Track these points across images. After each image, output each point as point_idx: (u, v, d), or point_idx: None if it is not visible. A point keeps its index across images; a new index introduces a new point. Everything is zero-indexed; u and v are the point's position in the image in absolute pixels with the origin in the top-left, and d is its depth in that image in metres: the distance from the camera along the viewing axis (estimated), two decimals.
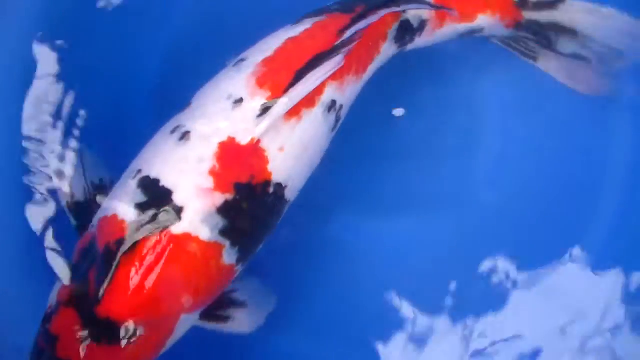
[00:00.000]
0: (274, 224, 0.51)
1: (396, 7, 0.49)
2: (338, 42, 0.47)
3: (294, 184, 0.49)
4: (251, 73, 0.49)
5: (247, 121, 0.47)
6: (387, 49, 0.53)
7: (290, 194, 0.49)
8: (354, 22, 0.48)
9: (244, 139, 0.47)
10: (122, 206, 0.47)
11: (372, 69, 0.53)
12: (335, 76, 0.48)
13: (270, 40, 0.52)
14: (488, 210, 0.62)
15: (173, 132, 0.49)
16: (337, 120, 0.51)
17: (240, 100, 0.48)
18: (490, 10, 0.54)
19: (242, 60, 0.52)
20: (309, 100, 0.48)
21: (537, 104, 0.64)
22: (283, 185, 0.48)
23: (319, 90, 0.48)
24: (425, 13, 0.52)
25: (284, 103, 0.47)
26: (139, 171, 0.49)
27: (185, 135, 0.48)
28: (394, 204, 0.62)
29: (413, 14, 0.52)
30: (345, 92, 0.51)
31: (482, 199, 0.62)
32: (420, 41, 0.55)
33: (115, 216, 0.47)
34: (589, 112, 0.63)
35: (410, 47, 0.54)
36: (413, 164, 0.63)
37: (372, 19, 0.47)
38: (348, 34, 0.47)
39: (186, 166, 0.47)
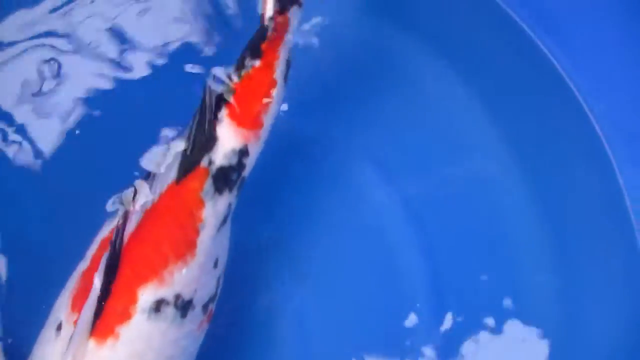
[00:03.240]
0: None
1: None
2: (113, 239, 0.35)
3: None
4: (70, 290, 0.39)
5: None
6: (214, 209, 0.37)
7: None
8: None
9: None
10: None
11: (204, 239, 0.37)
12: (150, 275, 0.36)
13: (93, 245, 0.40)
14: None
15: None
16: (184, 312, 0.38)
17: (59, 327, 0.37)
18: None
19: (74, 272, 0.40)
20: (120, 315, 0.36)
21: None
22: None
23: (130, 299, 0.36)
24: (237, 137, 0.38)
25: (79, 330, 0.35)
26: None
27: None
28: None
29: (223, 151, 0.37)
30: (175, 281, 0.37)
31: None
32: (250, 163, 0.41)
33: None
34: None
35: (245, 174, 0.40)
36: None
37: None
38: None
39: None
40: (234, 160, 0.36)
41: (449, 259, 0.53)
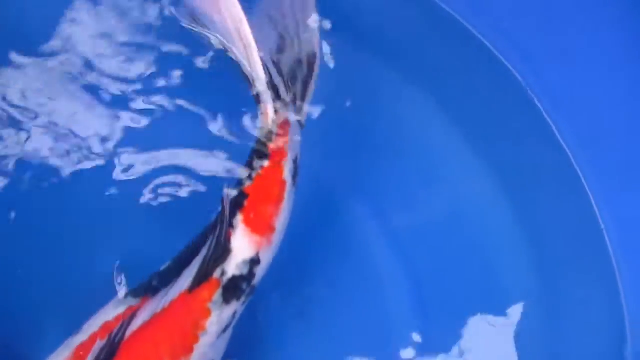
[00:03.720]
0: None
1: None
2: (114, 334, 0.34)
3: None
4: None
5: None
6: (218, 318, 0.37)
7: None
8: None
9: None
10: None
11: (201, 346, 0.37)
12: None
13: (94, 321, 0.39)
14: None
15: None
16: None
17: None
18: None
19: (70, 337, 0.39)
20: None
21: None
22: None
23: None
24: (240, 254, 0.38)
25: None
26: None
27: None
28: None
29: (236, 262, 0.37)
30: None
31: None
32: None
33: None
34: None
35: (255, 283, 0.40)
36: None
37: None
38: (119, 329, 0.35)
39: None
40: (245, 270, 0.36)
41: (434, 288, 0.54)
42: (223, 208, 0.35)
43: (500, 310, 0.52)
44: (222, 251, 0.35)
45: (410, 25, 0.57)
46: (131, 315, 0.34)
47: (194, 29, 0.42)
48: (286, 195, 0.38)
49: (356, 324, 0.53)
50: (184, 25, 0.43)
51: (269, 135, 0.38)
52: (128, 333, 0.33)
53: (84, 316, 0.40)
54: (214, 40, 0.41)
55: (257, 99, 0.38)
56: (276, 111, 0.38)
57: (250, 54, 0.38)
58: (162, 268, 0.38)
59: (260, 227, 0.36)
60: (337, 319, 0.53)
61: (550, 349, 0.51)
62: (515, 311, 0.52)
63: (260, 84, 0.38)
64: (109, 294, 0.40)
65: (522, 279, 0.53)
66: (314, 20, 0.42)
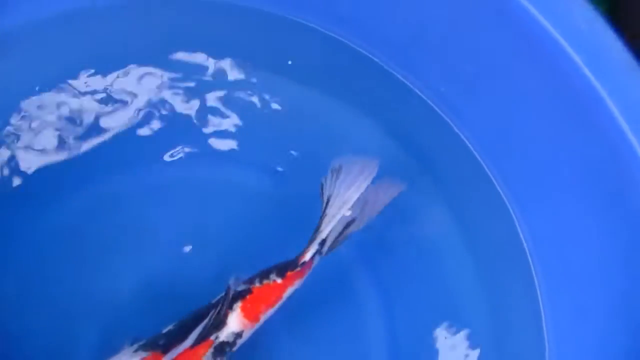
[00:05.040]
0: None
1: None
2: None
3: None
4: None
5: None
6: None
7: None
8: None
9: None
10: None
11: None
12: None
13: None
14: None
15: None
16: None
17: None
18: None
19: None
20: None
21: None
22: None
23: None
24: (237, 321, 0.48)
25: None
26: None
27: None
28: None
29: (227, 332, 0.47)
30: None
31: None
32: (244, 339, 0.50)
33: None
34: None
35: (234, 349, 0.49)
36: None
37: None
38: None
39: None
40: (231, 339, 0.46)
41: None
42: (227, 293, 0.45)
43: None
44: (219, 323, 0.45)
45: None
46: None
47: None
48: (278, 305, 0.48)
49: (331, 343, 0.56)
50: None
51: (295, 264, 0.47)
52: None
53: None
54: None
55: (308, 243, 0.47)
56: (311, 257, 0.47)
57: (332, 217, 0.48)
58: (165, 330, 0.46)
59: (251, 316, 0.46)
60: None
61: None
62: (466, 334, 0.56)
63: (319, 237, 0.47)
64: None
65: (472, 302, 0.56)
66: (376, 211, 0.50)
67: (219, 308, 0.45)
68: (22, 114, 0.56)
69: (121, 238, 0.54)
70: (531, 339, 0.54)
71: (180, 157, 0.56)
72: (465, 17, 0.45)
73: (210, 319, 0.45)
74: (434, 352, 0.55)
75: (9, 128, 0.56)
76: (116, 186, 0.56)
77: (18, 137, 0.56)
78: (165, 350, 0.44)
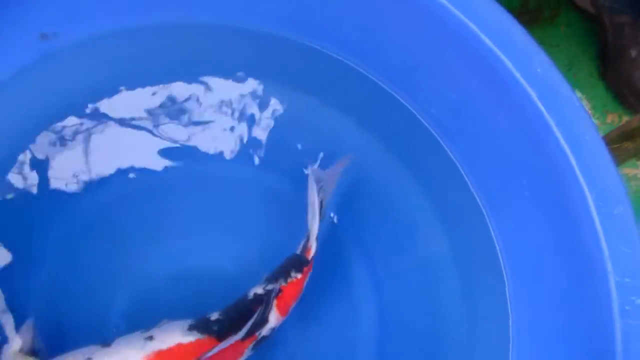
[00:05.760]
0: None
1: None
2: None
3: None
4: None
5: None
6: (246, 355, 0.52)
7: None
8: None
9: None
10: None
11: None
12: None
13: (166, 337, 0.49)
14: None
15: None
16: None
17: None
18: None
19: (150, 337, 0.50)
20: None
21: None
22: None
23: None
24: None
25: None
26: None
27: None
28: None
29: (267, 328, 0.52)
30: None
31: None
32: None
33: None
34: None
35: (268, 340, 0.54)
36: None
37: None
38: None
39: None
40: (269, 333, 0.52)
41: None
42: (269, 296, 0.52)
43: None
44: (263, 321, 0.51)
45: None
46: (202, 355, 0.48)
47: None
48: (301, 294, 0.55)
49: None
50: None
51: (307, 261, 0.54)
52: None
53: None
54: None
55: (307, 238, 0.55)
56: (314, 251, 0.54)
57: (317, 214, 0.54)
58: (213, 318, 0.51)
59: (283, 311, 0.53)
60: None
61: None
62: None
63: (315, 233, 0.54)
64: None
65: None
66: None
67: (263, 307, 0.51)
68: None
69: (156, 223, 0.59)
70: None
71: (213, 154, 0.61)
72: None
73: (257, 317, 0.51)
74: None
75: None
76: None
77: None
78: (219, 338, 0.50)
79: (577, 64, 0.91)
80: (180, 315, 0.51)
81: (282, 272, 0.53)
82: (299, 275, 0.53)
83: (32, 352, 0.50)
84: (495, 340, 0.57)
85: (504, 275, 0.57)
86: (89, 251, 0.58)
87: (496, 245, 0.58)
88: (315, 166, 0.56)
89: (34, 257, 0.57)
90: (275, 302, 0.52)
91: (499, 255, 0.58)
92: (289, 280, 0.53)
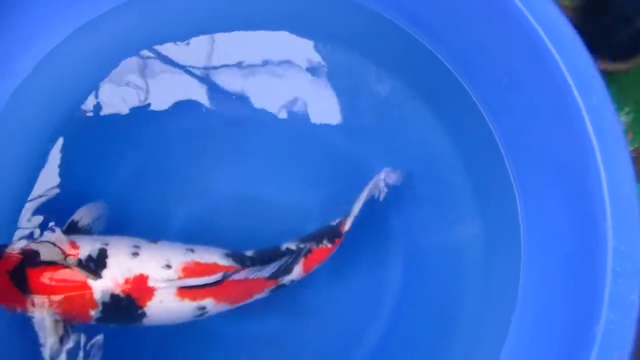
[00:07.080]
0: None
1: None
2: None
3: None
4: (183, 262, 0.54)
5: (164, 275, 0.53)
6: (267, 293, 0.57)
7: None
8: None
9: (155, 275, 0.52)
10: None
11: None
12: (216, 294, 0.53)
13: (204, 254, 0.55)
14: None
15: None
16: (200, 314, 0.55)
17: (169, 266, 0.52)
18: None
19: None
20: (185, 293, 0.52)
21: None
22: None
23: (200, 295, 0.53)
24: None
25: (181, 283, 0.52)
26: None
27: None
28: None
29: (289, 279, 0.57)
30: (218, 306, 0.55)
31: None
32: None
33: None
34: None
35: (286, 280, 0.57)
36: None
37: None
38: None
39: None
40: (288, 283, 0.57)
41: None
42: (299, 252, 0.56)
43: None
44: (288, 270, 0.56)
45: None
46: (234, 271, 0.54)
47: None
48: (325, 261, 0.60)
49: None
50: None
51: (340, 233, 0.58)
52: (230, 279, 0.54)
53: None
54: None
55: (346, 215, 0.59)
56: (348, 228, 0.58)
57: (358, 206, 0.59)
58: (249, 254, 0.57)
59: (306, 269, 0.57)
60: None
61: None
62: None
63: (354, 213, 0.58)
64: None
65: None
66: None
67: (292, 258, 0.56)
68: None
69: (223, 156, 0.65)
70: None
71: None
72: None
73: (284, 264, 0.56)
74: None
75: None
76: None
77: None
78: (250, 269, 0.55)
79: None
80: (227, 238, 0.58)
81: (316, 237, 0.59)
82: (330, 245, 0.59)
83: (79, 229, 0.56)
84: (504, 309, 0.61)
85: (522, 250, 0.61)
86: (167, 165, 0.65)
87: (520, 224, 0.62)
88: (389, 169, 0.61)
89: (118, 163, 0.65)
90: (302, 259, 0.57)
91: (521, 235, 0.62)
92: (320, 245, 0.58)
